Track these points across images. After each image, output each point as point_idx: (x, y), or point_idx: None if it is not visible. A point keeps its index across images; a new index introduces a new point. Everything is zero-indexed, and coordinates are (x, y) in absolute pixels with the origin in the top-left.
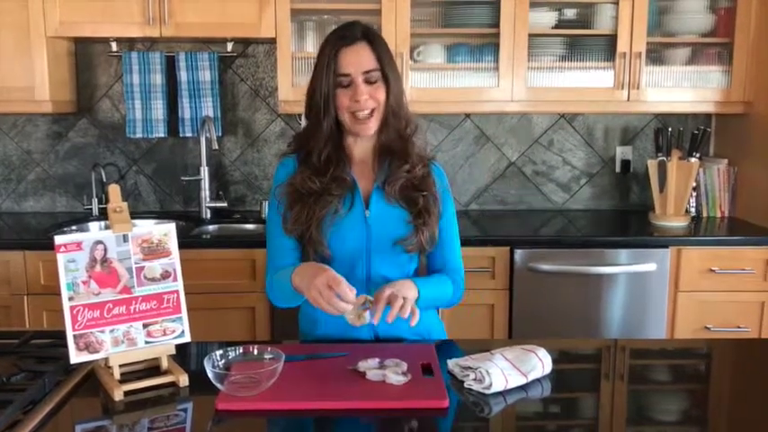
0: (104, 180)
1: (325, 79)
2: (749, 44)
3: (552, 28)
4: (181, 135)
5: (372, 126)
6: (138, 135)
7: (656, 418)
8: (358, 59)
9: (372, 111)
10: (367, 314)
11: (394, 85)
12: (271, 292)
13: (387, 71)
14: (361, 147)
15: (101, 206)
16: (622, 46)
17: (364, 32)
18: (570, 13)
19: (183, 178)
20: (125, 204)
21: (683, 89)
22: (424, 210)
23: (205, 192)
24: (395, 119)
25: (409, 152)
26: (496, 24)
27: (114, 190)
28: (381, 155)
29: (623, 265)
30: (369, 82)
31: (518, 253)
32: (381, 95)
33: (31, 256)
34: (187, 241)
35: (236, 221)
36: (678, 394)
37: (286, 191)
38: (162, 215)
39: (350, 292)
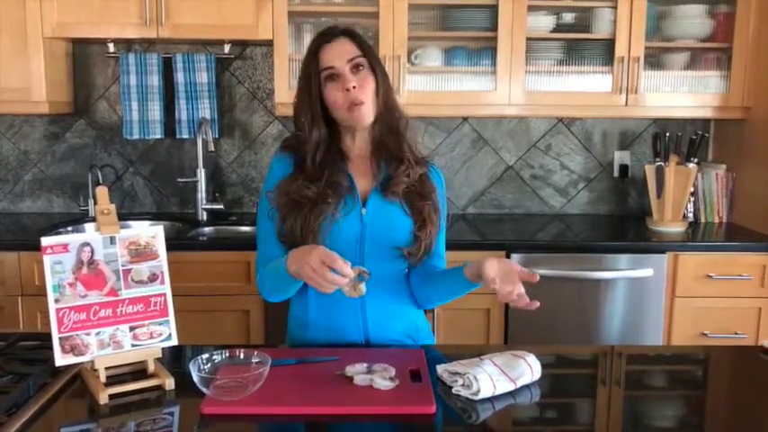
0: (101, 181)
1: (312, 79)
2: (748, 49)
3: (550, 32)
4: (178, 137)
5: (368, 114)
6: (135, 136)
7: (653, 425)
8: (340, 51)
9: (363, 102)
10: (362, 286)
11: (382, 78)
12: (262, 286)
13: (373, 62)
14: (359, 144)
15: None
16: (621, 50)
17: (344, 30)
18: (568, 17)
19: (179, 180)
20: (113, 206)
21: (682, 94)
22: (428, 219)
23: (201, 194)
24: (387, 113)
25: (403, 149)
26: (494, 28)
27: (102, 192)
28: (377, 151)
29: (620, 271)
30: (355, 69)
31: (514, 257)
32: (370, 85)
33: (26, 256)
34: (183, 243)
35: (233, 224)
36: (675, 401)
37: (280, 201)
38: (158, 217)
39: (345, 265)
